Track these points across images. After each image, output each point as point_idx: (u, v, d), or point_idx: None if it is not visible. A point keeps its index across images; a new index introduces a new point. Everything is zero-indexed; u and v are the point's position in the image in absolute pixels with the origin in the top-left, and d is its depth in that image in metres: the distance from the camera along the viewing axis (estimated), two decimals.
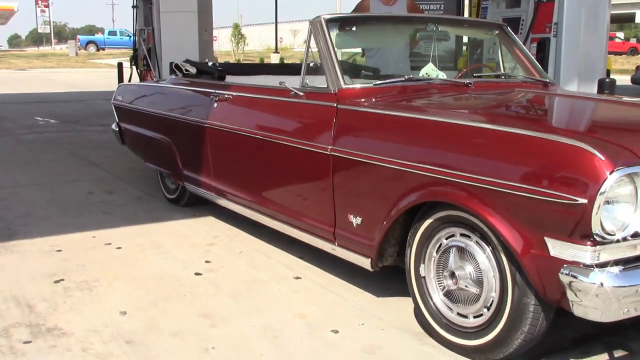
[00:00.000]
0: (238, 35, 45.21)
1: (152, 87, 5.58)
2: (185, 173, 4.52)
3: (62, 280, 3.33)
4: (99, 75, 23.59)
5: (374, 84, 3.19)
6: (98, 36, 52.96)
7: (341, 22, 3.53)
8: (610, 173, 1.99)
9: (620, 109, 3.18)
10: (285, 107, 3.49)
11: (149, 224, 4.41)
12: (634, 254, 2.14)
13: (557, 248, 2.13)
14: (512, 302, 2.33)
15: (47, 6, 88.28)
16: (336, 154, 2.98)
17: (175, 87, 4.83)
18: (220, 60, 29.92)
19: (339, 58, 3.29)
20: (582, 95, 3.78)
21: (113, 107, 5.58)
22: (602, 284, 2.03)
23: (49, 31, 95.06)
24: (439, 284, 2.64)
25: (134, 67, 12.16)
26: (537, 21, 5.87)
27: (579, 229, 2.06)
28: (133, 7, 12.12)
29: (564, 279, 2.10)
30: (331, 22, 3.36)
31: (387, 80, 3.25)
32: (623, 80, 20.31)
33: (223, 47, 55.50)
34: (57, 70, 27.31)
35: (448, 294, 2.61)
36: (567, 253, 2.11)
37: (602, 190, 1.98)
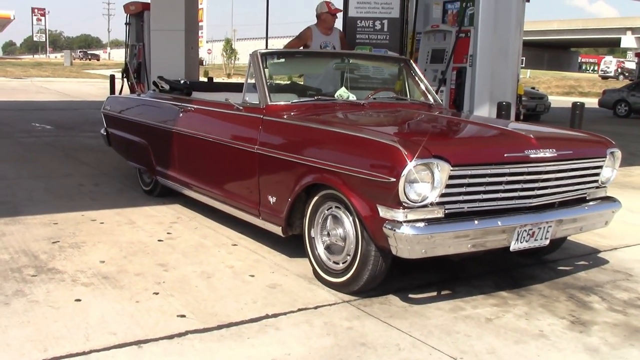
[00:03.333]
0: (229, 49, 46.70)
1: (134, 99, 6.74)
2: (157, 169, 5.68)
3: (58, 241, 4.46)
4: (92, 86, 24.75)
5: (292, 102, 4.36)
6: None
7: (273, 55, 4.71)
8: (410, 161, 3.15)
9: (456, 123, 4.39)
10: (229, 117, 4.66)
11: (127, 207, 5.55)
12: (431, 216, 3.29)
13: (383, 211, 3.29)
14: (361, 251, 3.48)
15: (43, 15, 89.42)
16: (260, 152, 4.14)
17: (153, 100, 6.01)
18: (211, 73, 31.29)
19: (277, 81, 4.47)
20: (441, 114, 4.68)
21: (102, 115, 6.75)
22: (408, 233, 3.19)
23: (44, 40, 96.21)
24: (322, 241, 3.80)
25: (125, 79, 13.33)
26: (457, 53, 7.05)
27: (393, 198, 3.22)
28: (126, 24, 13.32)
29: (387, 231, 3.25)
30: (264, 55, 4.53)
31: (302, 99, 4.43)
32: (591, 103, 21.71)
33: (216, 59, 56.68)
34: (53, 80, 28.45)
35: (327, 248, 3.76)
36: (389, 214, 3.26)
37: (404, 173, 3.14)
